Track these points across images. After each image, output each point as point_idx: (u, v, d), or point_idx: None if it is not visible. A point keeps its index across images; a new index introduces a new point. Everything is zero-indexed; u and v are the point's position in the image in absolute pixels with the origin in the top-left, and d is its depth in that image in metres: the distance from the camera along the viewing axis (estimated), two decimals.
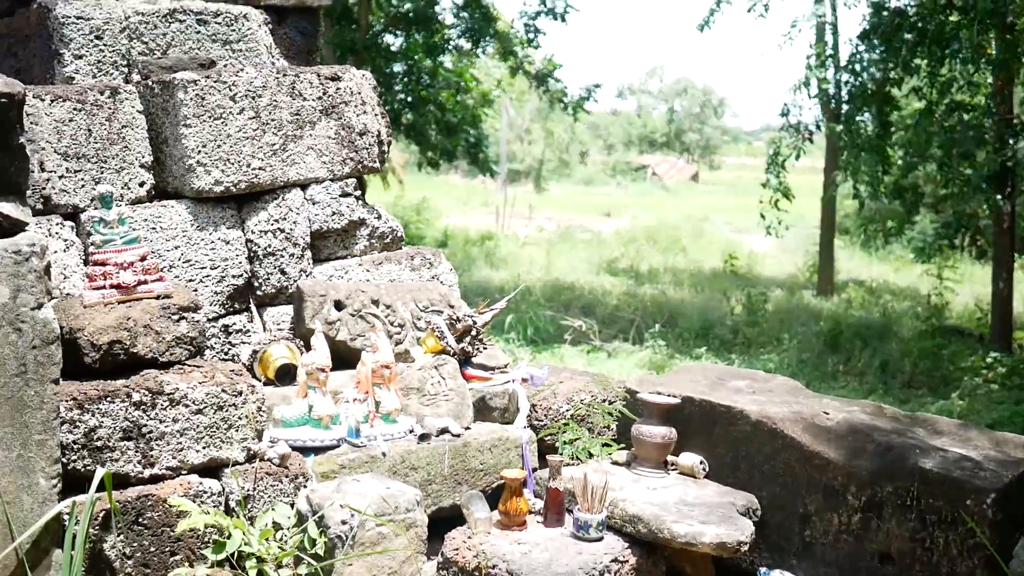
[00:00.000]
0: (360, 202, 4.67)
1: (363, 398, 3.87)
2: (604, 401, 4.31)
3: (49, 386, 2.78)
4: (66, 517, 2.93)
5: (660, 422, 3.89)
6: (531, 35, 16.16)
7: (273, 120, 4.33)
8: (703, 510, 3.54)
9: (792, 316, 13.28)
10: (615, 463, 4.02)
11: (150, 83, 4.26)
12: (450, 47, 16.92)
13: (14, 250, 2.71)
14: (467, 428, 4.04)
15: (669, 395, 4.01)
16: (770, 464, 3.76)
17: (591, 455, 4.05)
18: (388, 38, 16.76)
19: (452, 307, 4.45)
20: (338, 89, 4.54)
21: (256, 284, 4.36)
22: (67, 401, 3.03)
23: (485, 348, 4.39)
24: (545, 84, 16.92)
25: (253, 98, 4.27)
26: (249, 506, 3.35)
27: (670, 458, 3.95)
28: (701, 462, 3.89)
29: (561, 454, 3.98)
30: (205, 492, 3.25)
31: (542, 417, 4.24)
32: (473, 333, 4.26)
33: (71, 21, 4.39)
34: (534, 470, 4.03)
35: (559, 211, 28.38)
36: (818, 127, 13.43)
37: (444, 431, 3.90)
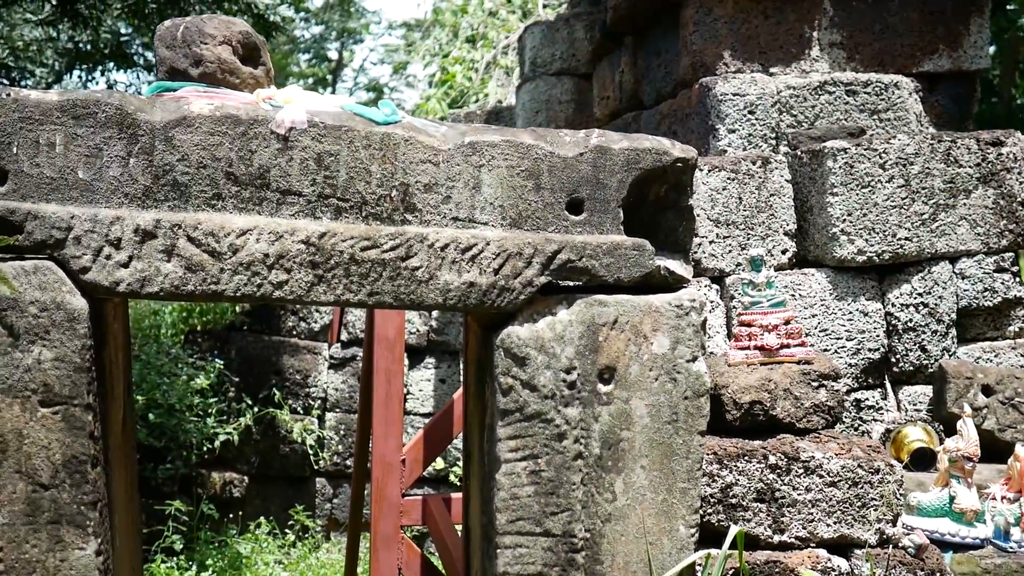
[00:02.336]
0: (1017, 279, 4.21)
1: (1014, 497, 3.43)
2: None
3: (696, 437, 2.89)
4: (698, 568, 3.00)
5: None
6: None
7: (923, 188, 4.11)
8: None
9: None
10: None
11: (798, 153, 4.32)
12: None
13: (676, 304, 2.87)
14: None
15: None
16: None
17: None
18: None
19: None
20: (999, 155, 4.17)
21: (893, 360, 4.14)
22: (708, 455, 3.12)
23: None
24: None
25: (903, 166, 4.10)
26: None
27: None
28: None
29: None
30: (833, 570, 3.11)
31: None
32: None
33: (728, 98, 4.64)
34: None
35: None
36: None
37: None
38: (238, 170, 2.60)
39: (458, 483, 7.40)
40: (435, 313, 7.73)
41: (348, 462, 7.36)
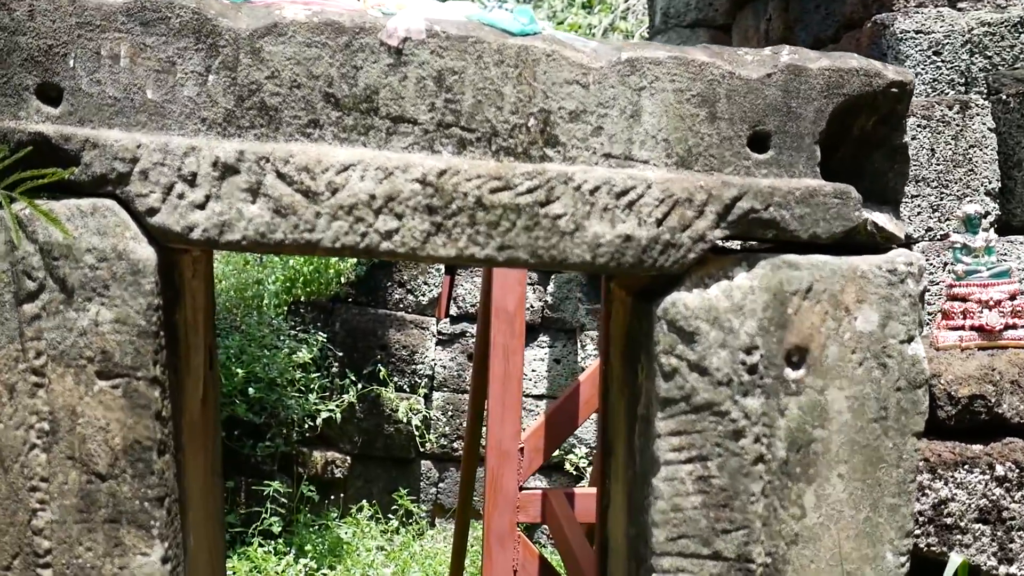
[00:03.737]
0: None
1: None
2: None
3: (910, 440, 2.26)
4: None
5: None
6: None
7: None
8: None
9: None
10: None
11: (1003, 96, 3.60)
12: None
13: (888, 268, 2.24)
14: None
15: None
16: None
17: None
18: None
19: None
20: None
21: None
22: (919, 462, 2.48)
23: None
24: None
25: None
26: None
27: None
28: None
29: None
30: None
31: None
32: None
33: (909, 36, 3.94)
34: None
35: None
36: None
37: None
38: (339, 91, 2.08)
39: (574, 472, 6.85)
40: (551, 287, 7.17)
41: (455, 444, 6.89)
